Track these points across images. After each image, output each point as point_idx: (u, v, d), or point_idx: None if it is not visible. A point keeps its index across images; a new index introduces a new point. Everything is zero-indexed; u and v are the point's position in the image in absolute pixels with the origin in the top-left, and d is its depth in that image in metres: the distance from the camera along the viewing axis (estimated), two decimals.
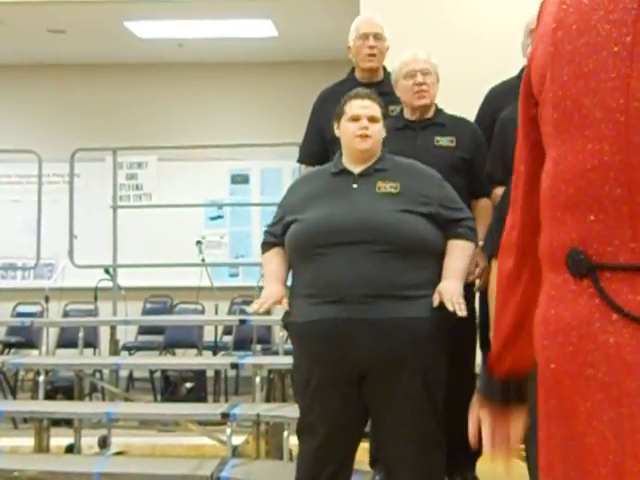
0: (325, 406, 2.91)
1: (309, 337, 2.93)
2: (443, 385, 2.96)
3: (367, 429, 3.14)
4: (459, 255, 2.99)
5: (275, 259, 3.12)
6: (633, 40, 1.41)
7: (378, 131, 3.08)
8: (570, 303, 1.48)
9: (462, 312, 2.85)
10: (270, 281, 3.09)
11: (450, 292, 2.88)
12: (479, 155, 3.46)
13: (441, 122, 3.49)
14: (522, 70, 3.76)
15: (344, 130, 3.10)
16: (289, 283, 3.13)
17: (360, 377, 2.89)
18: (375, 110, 3.08)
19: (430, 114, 3.50)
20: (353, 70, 3.92)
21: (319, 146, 3.80)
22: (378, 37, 3.80)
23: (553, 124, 1.52)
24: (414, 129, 3.44)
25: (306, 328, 2.93)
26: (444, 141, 3.42)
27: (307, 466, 3.02)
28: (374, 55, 3.77)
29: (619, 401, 1.42)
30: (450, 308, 2.84)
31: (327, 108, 3.76)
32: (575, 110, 1.47)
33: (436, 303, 2.87)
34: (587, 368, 1.46)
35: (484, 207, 3.43)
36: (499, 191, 3.22)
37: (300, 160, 4.00)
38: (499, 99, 3.70)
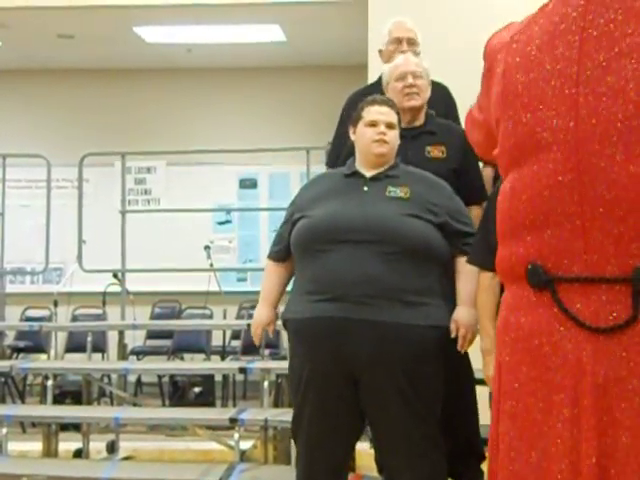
0: (315, 405, 2.90)
1: (304, 334, 2.93)
2: (439, 392, 2.95)
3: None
4: (471, 276, 2.97)
5: (276, 275, 3.19)
6: (578, 70, 1.54)
7: (395, 138, 3.10)
8: (530, 313, 1.58)
9: (462, 350, 3.02)
10: (262, 302, 3.22)
11: (467, 327, 2.97)
12: (469, 163, 3.42)
13: (431, 130, 3.45)
14: None
15: (361, 135, 3.11)
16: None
17: (355, 379, 2.87)
18: (392, 117, 3.10)
19: (421, 121, 3.46)
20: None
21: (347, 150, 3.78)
22: (411, 42, 3.77)
23: (509, 153, 1.63)
24: (404, 137, 3.36)
25: (302, 325, 2.93)
26: (435, 152, 3.39)
27: (303, 466, 3.01)
28: None
29: (575, 401, 1.52)
30: (459, 345, 2.98)
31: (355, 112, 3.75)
32: (528, 137, 1.58)
33: (453, 334, 2.96)
34: (546, 372, 1.56)
35: (476, 216, 3.40)
36: None
37: (328, 164, 3.98)
38: None
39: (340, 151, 3.81)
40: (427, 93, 3.46)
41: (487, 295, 2.89)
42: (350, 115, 3.75)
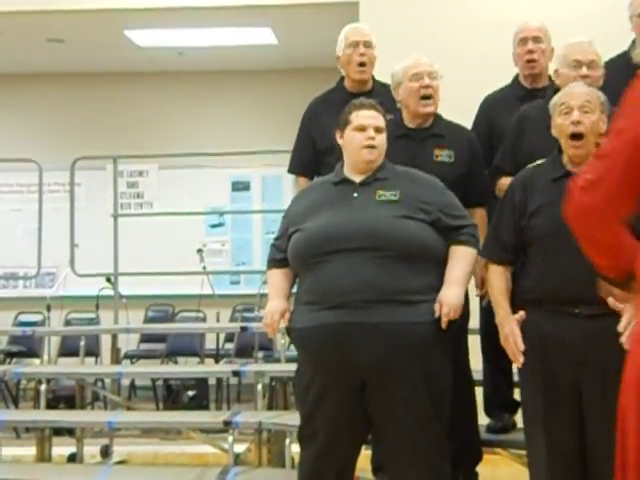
0: (326, 412, 2.91)
1: (310, 342, 2.93)
2: (448, 391, 2.96)
3: (369, 436, 3.13)
4: (460, 260, 2.99)
5: (279, 275, 3.15)
6: None
7: (383, 142, 3.09)
8: None
9: (443, 325, 2.88)
10: (273, 296, 3.12)
11: (449, 305, 2.89)
12: (475, 166, 3.43)
13: (439, 132, 3.43)
14: (516, 77, 3.80)
15: (349, 139, 3.09)
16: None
17: (361, 383, 2.88)
18: (381, 121, 3.09)
19: (429, 122, 3.45)
20: (342, 79, 3.89)
21: (310, 156, 3.79)
22: (368, 45, 3.75)
23: None
24: (413, 139, 3.39)
25: (307, 334, 2.93)
26: (443, 156, 3.37)
27: (308, 473, 3.01)
28: (364, 64, 3.73)
29: None
30: (443, 323, 2.87)
31: (318, 118, 3.75)
32: None
33: (437, 314, 2.88)
34: None
35: (480, 217, 3.41)
36: (505, 181, 3.21)
37: (290, 170, 3.97)
38: (494, 107, 3.73)
39: (304, 158, 3.81)
40: (438, 96, 3.42)
41: (498, 278, 2.94)
42: (312, 122, 3.78)
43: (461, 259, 2.99)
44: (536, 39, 3.69)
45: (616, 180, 1.66)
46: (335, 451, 2.95)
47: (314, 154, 3.75)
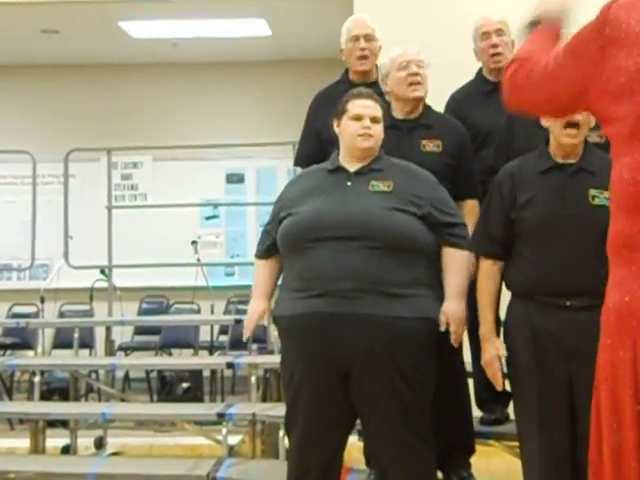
0: (308, 401, 2.91)
1: (294, 331, 2.94)
2: (430, 385, 2.95)
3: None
4: (459, 268, 3.01)
5: (265, 270, 3.18)
6: None
7: (379, 132, 3.09)
8: None
9: (455, 343, 2.98)
10: (255, 295, 3.18)
11: (456, 323, 2.95)
12: (464, 157, 3.43)
13: (427, 123, 3.43)
14: (479, 72, 3.81)
15: (345, 128, 3.09)
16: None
17: (345, 373, 2.88)
18: (377, 111, 3.09)
19: (417, 113, 3.45)
20: (347, 71, 3.90)
21: (315, 148, 3.78)
22: (369, 38, 3.76)
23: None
24: (400, 130, 3.39)
25: (292, 321, 2.93)
26: (430, 146, 3.37)
27: (295, 462, 3.01)
28: (366, 57, 3.74)
29: None
30: (452, 340, 2.96)
31: (322, 110, 3.75)
32: None
33: (443, 328, 2.93)
34: None
35: (471, 208, 3.41)
36: None
37: (296, 163, 3.97)
38: (462, 104, 3.75)
39: (309, 151, 3.81)
40: (427, 84, 3.44)
41: (487, 281, 2.92)
42: (316, 114, 3.78)
43: (458, 267, 3.01)
44: (499, 32, 3.72)
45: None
46: (318, 441, 2.94)
47: (319, 146, 3.74)
